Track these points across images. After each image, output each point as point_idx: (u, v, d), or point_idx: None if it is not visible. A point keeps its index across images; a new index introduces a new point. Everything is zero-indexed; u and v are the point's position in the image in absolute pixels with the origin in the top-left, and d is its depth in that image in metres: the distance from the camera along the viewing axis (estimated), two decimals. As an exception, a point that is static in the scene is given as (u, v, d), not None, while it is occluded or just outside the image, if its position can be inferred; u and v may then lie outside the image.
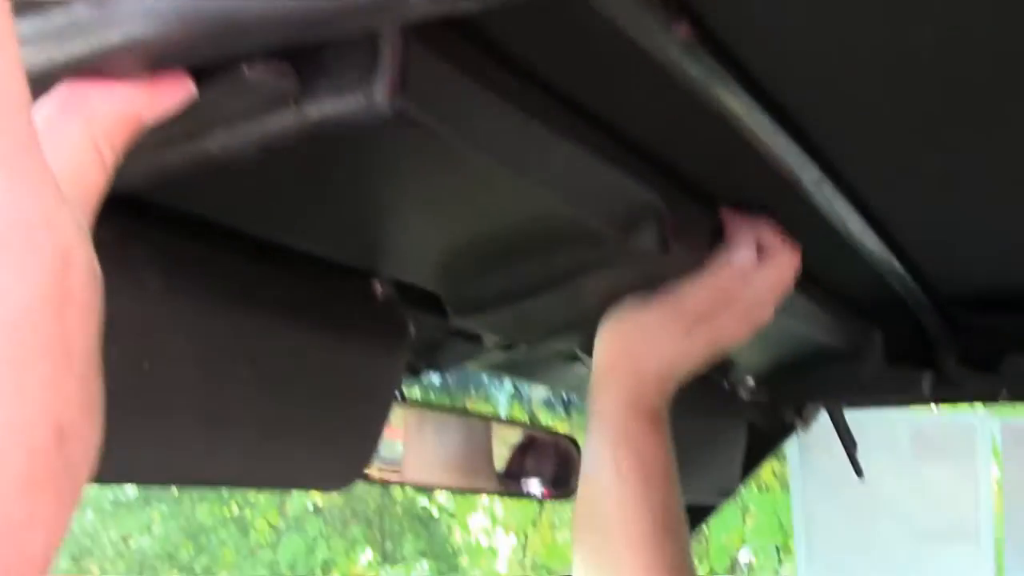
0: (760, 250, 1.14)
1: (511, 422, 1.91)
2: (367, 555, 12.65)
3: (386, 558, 12.90)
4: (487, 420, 1.83)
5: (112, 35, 0.46)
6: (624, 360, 1.20)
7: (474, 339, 1.30)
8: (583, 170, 0.87)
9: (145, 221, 0.75)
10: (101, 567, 12.91)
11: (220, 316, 0.84)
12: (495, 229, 1.00)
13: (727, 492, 1.78)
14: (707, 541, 8.42)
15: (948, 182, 1.05)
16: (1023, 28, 0.70)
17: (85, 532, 12.91)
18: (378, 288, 1.07)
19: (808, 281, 1.38)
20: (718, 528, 8.04)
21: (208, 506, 12.77)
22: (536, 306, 1.14)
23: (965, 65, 0.77)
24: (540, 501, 1.93)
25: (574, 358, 1.45)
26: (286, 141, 0.60)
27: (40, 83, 0.50)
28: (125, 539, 12.89)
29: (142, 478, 0.95)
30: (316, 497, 12.07)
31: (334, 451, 1.03)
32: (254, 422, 0.90)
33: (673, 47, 0.70)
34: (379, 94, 0.56)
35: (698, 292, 1.14)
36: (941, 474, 1.97)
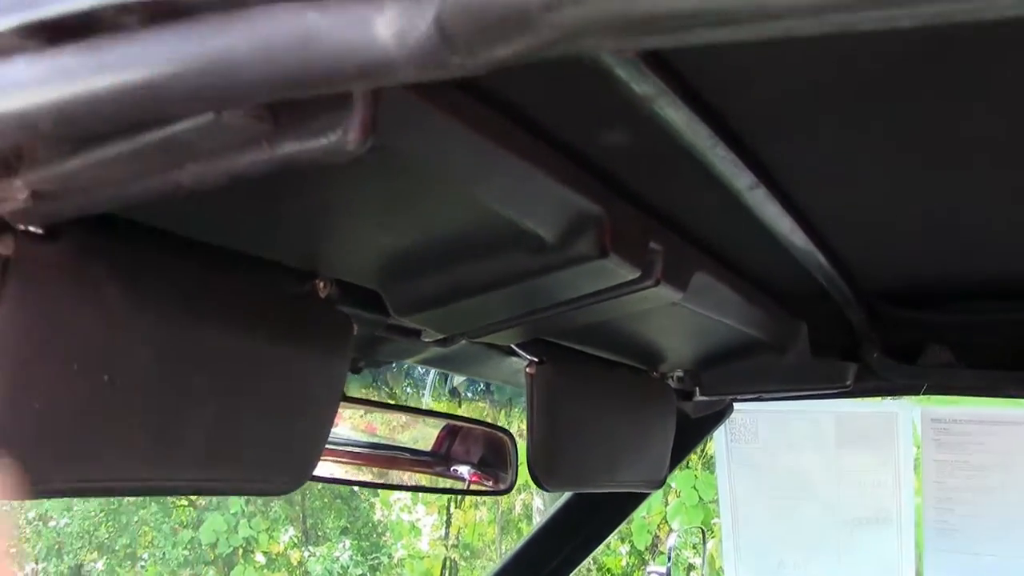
0: None
1: (447, 416, 1.93)
2: (289, 533, 12.62)
3: (308, 536, 12.88)
4: (425, 415, 1.85)
5: (101, 81, 0.47)
6: None
7: (412, 335, 1.31)
8: (530, 184, 0.89)
9: (104, 236, 0.76)
10: (19, 548, 12.79)
11: (174, 324, 0.85)
12: (440, 233, 1.02)
13: (657, 482, 1.82)
14: (630, 519, 8.51)
15: (874, 185, 1.09)
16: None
17: (2, 511, 12.78)
18: (321, 287, 1.09)
19: (735, 275, 1.42)
20: (640, 507, 8.10)
21: (123, 487, 12.69)
22: (478, 305, 1.17)
23: (893, 81, 0.81)
24: (469, 493, 1.96)
25: (510, 352, 1.48)
26: (256, 175, 0.61)
27: (27, 127, 0.51)
28: (43, 519, 12.76)
29: (99, 490, 0.95)
30: (238, 475, 12.02)
31: (283, 454, 1.04)
32: (205, 429, 0.90)
33: (620, 65, 0.72)
34: (352, 136, 0.56)
35: None
36: (864, 461, 2.04)
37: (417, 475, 1.78)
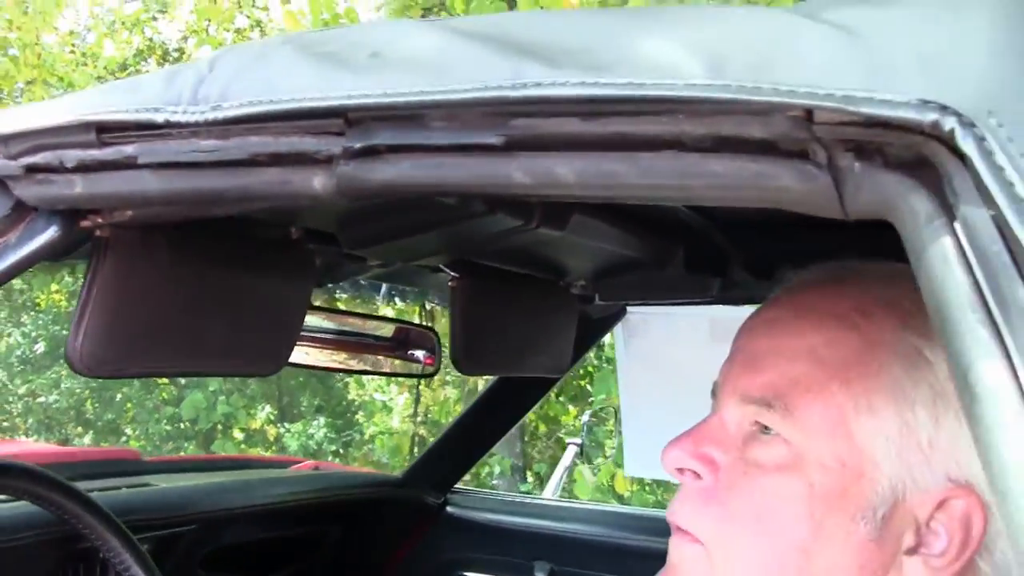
0: None
1: (387, 319, 2.42)
2: (265, 411, 13.01)
3: (284, 414, 13.33)
4: (371, 319, 2.35)
5: (180, 184, 0.96)
6: None
7: (361, 260, 1.78)
8: None
9: (157, 225, 1.24)
10: (11, 423, 13.29)
11: (199, 269, 1.35)
12: (387, 201, 1.49)
13: (561, 369, 2.28)
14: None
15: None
16: None
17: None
18: (293, 232, 1.55)
19: (613, 214, 1.85)
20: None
21: (113, 369, 12.94)
22: (414, 242, 1.65)
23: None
24: (420, 376, 2.46)
25: (437, 269, 1.93)
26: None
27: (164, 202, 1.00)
28: (34, 395, 13.27)
29: (156, 373, 1.46)
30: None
31: (269, 346, 1.53)
32: (219, 333, 1.40)
33: None
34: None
35: None
36: (732, 354, 2.49)
37: (369, 359, 2.28)
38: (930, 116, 0.63)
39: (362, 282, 2.33)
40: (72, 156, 1.04)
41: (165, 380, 13.17)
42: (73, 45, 11.89)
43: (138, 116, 0.98)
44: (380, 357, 2.28)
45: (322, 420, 12.78)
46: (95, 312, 1.21)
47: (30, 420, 13.19)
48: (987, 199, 0.61)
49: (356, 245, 1.66)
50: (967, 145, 0.62)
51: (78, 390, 13.04)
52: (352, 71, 0.87)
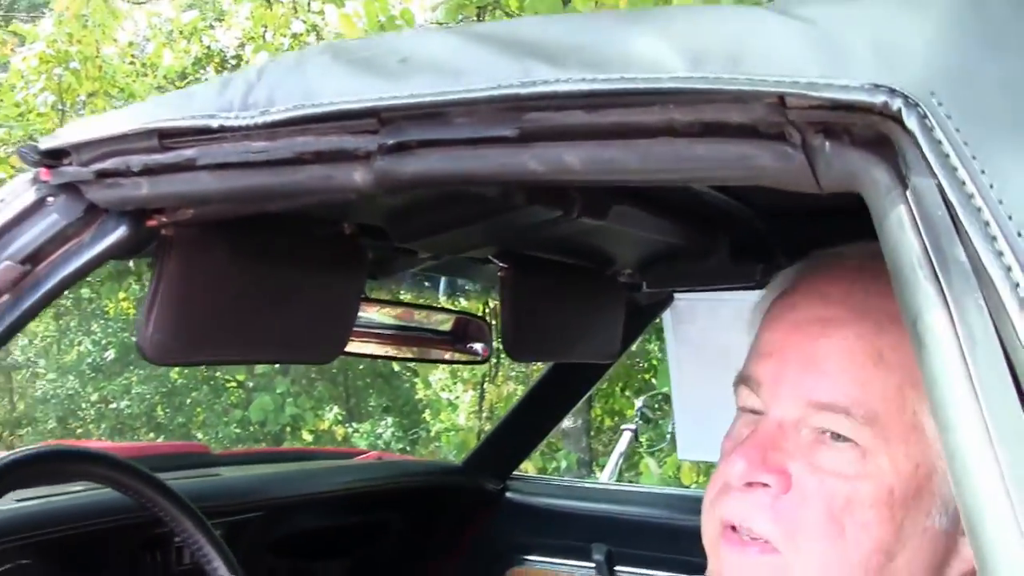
0: None
1: (442, 309, 2.51)
2: (332, 411, 13.16)
3: (352, 415, 13.48)
4: (425, 309, 2.44)
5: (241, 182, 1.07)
6: None
7: (412, 253, 1.87)
8: None
9: (217, 223, 1.35)
10: (84, 429, 13.57)
11: (260, 263, 1.46)
12: (429, 193, 1.58)
13: (611, 354, 2.35)
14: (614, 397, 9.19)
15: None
16: None
17: (68, 396, 13.57)
18: (346, 228, 1.64)
19: (656, 205, 1.91)
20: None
21: (181, 368, 13.24)
22: (460, 234, 1.74)
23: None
24: (473, 363, 2.54)
25: (486, 261, 2.02)
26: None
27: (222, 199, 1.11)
28: (106, 401, 13.59)
29: (222, 362, 1.59)
30: (284, 356, 12.43)
31: (324, 334, 1.64)
32: (278, 323, 1.51)
33: None
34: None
35: None
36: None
37: (424, 348, 2.38)
38: (880, 98, 0.73)
39: (426, 284, 2.43)
40: (137, 161, 1.16)
41: (233, 384, 13.41)
42: (132, 56, 12.07)
43: (195, 122, 1.11)
44: (435, 347, 2.38)
45: (389, 419, 12.91)
46: (162, 305, 1.33)
47: (103, 426, 13.48)
48: (930, 170, 0.71)
49: (405, 239, 1.75)
50: (911, 122, 0.72)
51: (149, 395, 13.30)
52: (384, 75, 0.99)
